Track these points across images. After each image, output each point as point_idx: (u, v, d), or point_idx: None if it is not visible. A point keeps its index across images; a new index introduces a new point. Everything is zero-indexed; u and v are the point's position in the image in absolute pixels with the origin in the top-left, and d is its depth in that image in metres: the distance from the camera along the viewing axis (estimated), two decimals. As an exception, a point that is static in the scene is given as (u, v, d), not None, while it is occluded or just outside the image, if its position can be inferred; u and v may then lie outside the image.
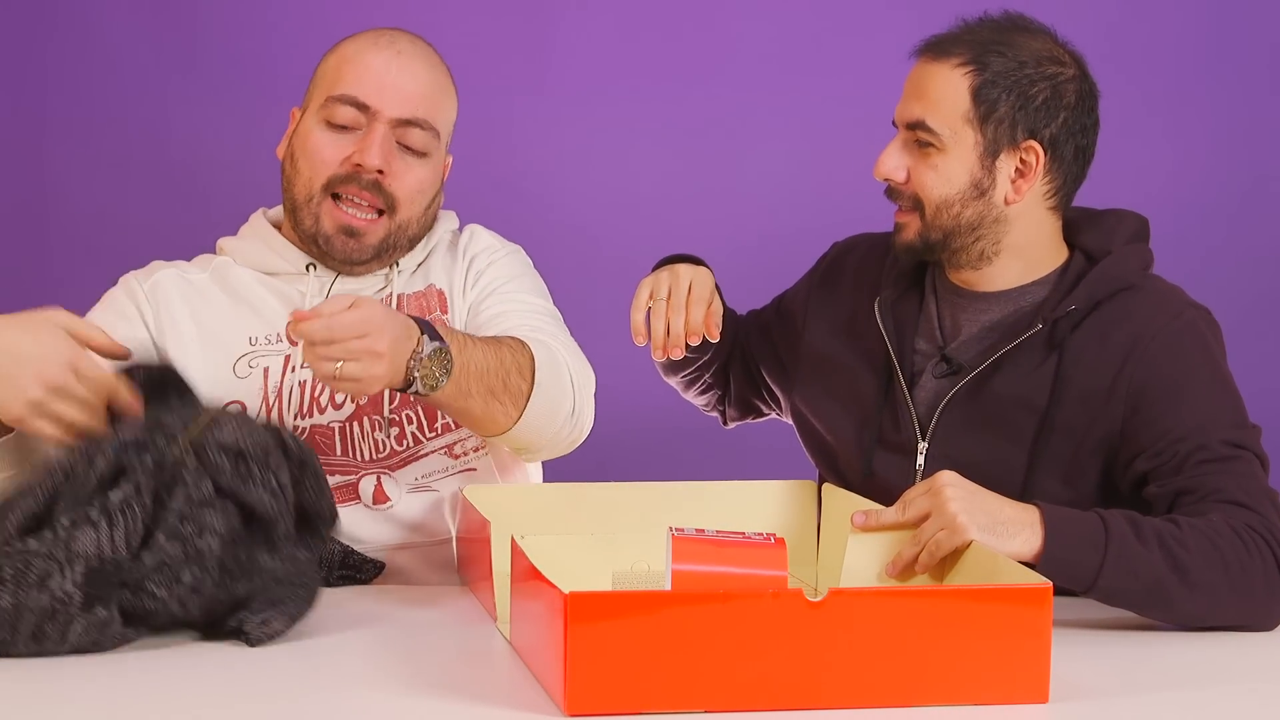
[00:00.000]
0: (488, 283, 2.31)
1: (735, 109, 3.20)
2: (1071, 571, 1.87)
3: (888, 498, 2.00)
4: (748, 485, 2.26)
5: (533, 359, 2.13)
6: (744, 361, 2.41)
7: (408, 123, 2.24)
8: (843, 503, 2.12)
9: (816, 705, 1.59)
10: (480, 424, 2.15)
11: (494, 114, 3.15)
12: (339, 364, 1.92)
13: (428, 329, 2.01)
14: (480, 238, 2.38)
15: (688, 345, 2.19)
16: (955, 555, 1.88)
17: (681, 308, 2.18)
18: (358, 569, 2.15)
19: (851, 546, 1.97)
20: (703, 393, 2.47)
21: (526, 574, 1.70)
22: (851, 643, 1.59)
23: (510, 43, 3.17)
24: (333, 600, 1.95)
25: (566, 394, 2.18)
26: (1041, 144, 2.08)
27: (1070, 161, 2.11)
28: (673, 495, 2.18)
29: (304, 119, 2.28)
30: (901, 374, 2.16)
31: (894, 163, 2.12)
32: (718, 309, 2.23)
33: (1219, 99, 3.25)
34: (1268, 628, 1.93)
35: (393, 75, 2.24)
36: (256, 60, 3.08)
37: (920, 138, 2.09)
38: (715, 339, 2.21)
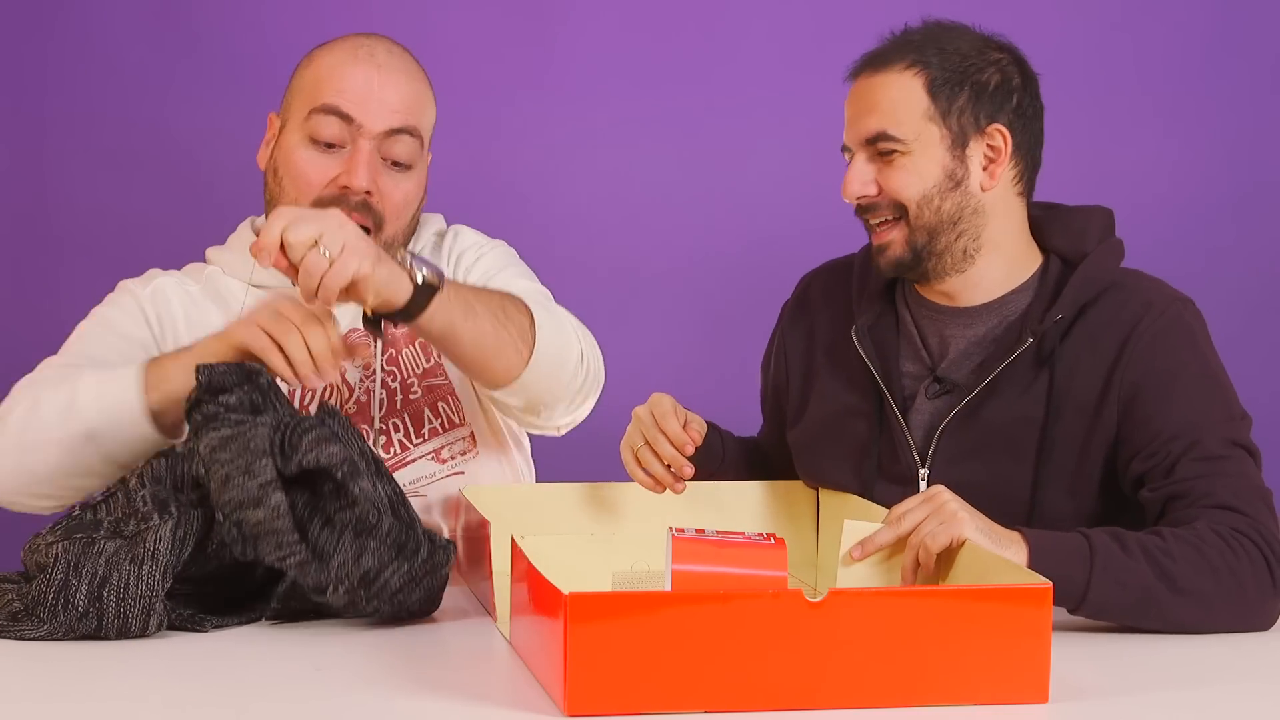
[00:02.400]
0: (478, 277, 2.30)
1: (734, 108, 3.20)
2: (1060, 587, 1.85)
3: None
4: (748, 485, 2.26)
5: (522, 300, 2.12)
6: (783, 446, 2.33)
7: (394, 132, 2.22)
8: (842, 504, 2.12)
9: (816, 705, 1.59)
10: (496, 358, 2.09)
11: (491, 113, 3.15)
12: (323, 251, 1.89)
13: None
14: (465, 236, 2.37)
15: (691, 458, 2.13)
16: (951, 557, 1.87)
17: (658, 436, 2.13)
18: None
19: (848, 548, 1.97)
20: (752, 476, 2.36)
21: (526, 574, 1.70)
22: (851, 643, 1.59)
23: (507, 42, 3.17)
24: (333, 600, 1.95)
25: (570, 340, 2.16)
26: (1006, 126, 2.08)
27: (1030, 144, 2.11)
28: (672, 495, 2.18)
29: (285, 133, 2.26)
30: (893, 400, 2.14)
31: (862, 178, 2.09)
32: (689, 418, 2.17)
33: (1222, 100, 3.25)
34: (1264, 627, 1.93)
35: (375, 89, 2.22)
36: (256, 60, 3.08)
37: (882, 148, 2.08)
38: (700, 438, 2.15)
